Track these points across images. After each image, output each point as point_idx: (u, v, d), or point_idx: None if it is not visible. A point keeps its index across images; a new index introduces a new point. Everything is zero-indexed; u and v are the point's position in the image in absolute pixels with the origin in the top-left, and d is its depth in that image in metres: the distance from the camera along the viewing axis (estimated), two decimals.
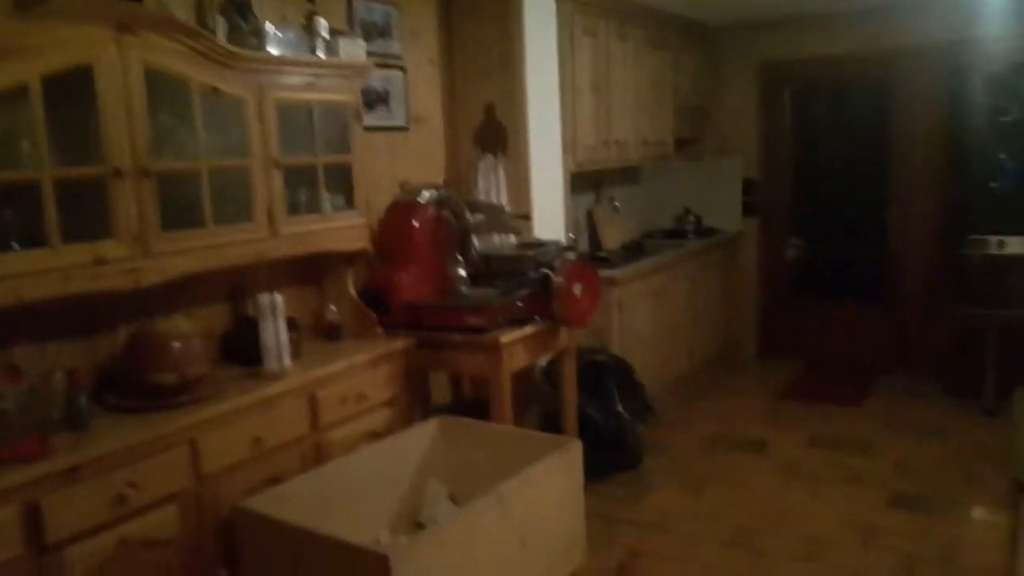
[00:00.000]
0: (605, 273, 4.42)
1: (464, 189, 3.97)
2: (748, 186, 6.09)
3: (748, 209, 6.12)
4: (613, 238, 5.43)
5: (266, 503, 2.44)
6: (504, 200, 3.91)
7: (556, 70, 4.14)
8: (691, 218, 5.98)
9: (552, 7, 4.07)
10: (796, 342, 6.03)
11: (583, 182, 5.10)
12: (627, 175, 5.76)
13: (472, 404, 3.60)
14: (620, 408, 4.08)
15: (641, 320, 4.68)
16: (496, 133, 3.97)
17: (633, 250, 5.32)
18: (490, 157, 3.96)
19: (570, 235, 4.75)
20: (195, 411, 2.38)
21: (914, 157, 5.51)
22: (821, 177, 6.15)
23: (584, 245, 5.23)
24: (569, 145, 4.27)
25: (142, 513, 2.22)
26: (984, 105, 5.13)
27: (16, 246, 2.09)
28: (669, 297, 5.05)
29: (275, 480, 2.57)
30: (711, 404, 5.12)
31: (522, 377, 3.85)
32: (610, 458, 4.03)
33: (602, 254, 5.02)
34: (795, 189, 6.11)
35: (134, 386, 2.43)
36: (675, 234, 5.90)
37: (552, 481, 2.72)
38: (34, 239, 2.11)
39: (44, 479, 2.00)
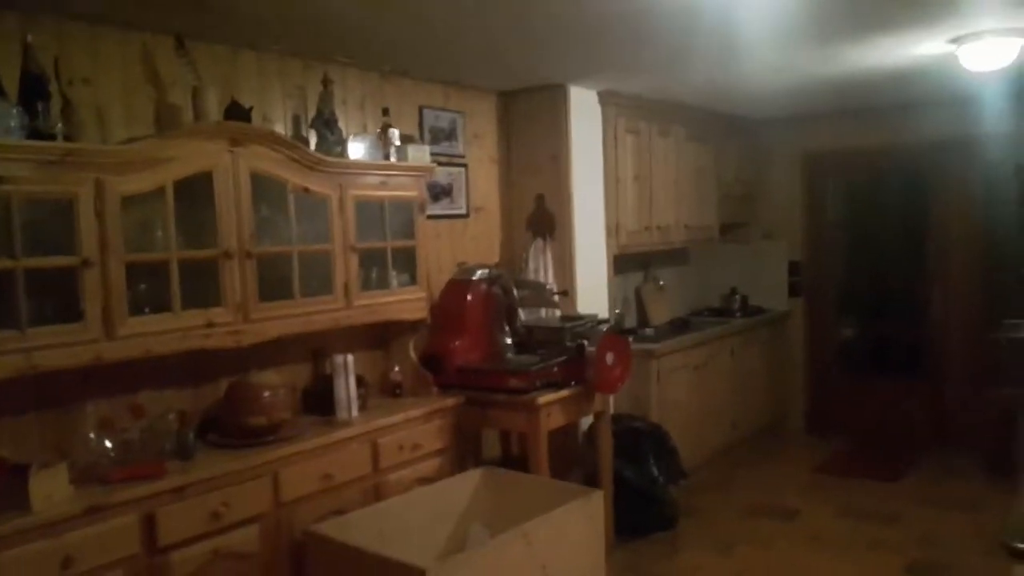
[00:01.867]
0: (645, 346, 4.86)
1: (516, 268, 4.50)
2: (794, 267, 6.43)
3: (794, 289, 6.44)
4: (660, 314, 5.85)
5: (332, 529, 2.91)
6: (551, 278, 4.41)
7: (601, 164, 4.68)
8: (737, 297, 6.34)
9: (598, 111, 4.64)
10: (842, 417, 6.23)
11: (632, 262, 5.57)
12: (675, 256, 6.20)
13: (517, 459, 4.03)
14: (655, 471, 4.43)
15: (680, 391, 5.05)
16: (545, 220, 4.51)
17: (678, 326, 5.72)
18: (540, 241, 4.49)
19: (616, 311, 5.22)
20: (278, 449, 2.90)
21: (951, 242, 5.78)
22: (865, 259, 6.45)
23: (632, 320, 5.67)
24: (613, 229, 4.78)
25: (231, 529, 2.72)
26: (1016, 195, 5.40)
27: (147, 311, 2.69)
28: (711, 371, 5.40)
29: (340, 511, 3.04)
30: (751, 473, 5.39)
31: (566, 440, 4.28)
32: (645, 518, 4.36)
33: (647, 329, 5.45)
34: (839, 271, 6.43)
35: (231, 427, 2.98)
36: (721, 312, 6.27)
37: (574, 523, 3.10)
38: (161, 306, 2.71)
39: (158, 495, 2.54)
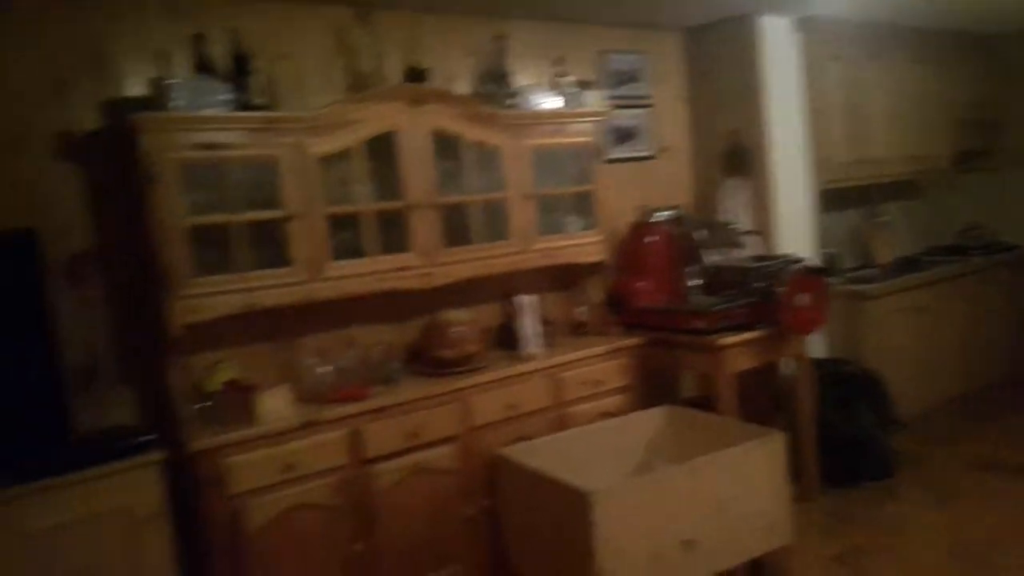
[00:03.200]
0: (857, 287, 4.60)
1: (707, 209, 4.45)
2: None
3: None
4: (884, 253, 5.46)
5: (516, 453, 3.17)
6: (745, 218, 4.32)
7: (800, 95, 4.45)
8: (977, 233, 5.72)
9: (793, 39, 4.41)
10: None
11: (850, 198, 5.25)
12: (903, 190, 5.72)
13: (711, 400, 4.04)
14: (866, 418, 4.21)
15: (900, 335, 4.72)
16: (739, 157, 4.40)
17: (904, 265, 5.31)
18: (733, 179, 4.39)
19: (827, 250, 4.97)
20: (467, 378, 3.20)
21: None
22: None
23: (852, 260, 5.34)
24: (817, 164, 4.54)
25: (428, 448, 3.06)
26: None
27: (347, 256, 3.08)
28: (938, 314, 4.98)
29: (526, 438, 3.29)
30: (984, 426, 4.89)
31: (769, 383, 4.21)
32: (856, 465, 4.17)
33: (869, 270, 5.12)
34: None
35: (427, 358, 3.33)
36: (957, 250, 5.70)
37: (752, 463, 3.09)
38: (359, 252, 3.09)
39: (364, 413, 2.93)
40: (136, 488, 2.47)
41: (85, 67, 2.83)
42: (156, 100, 2.65)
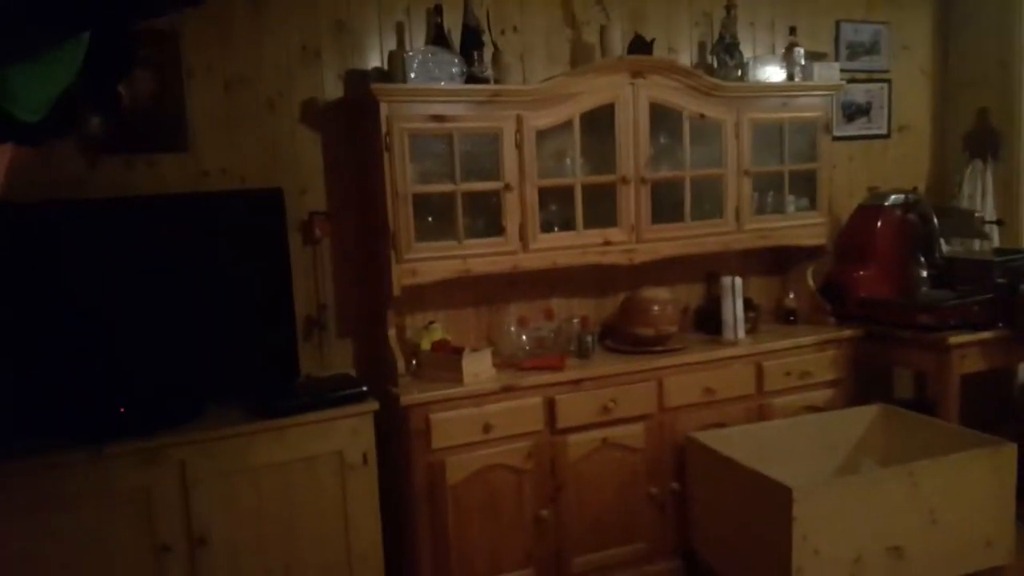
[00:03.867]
0: None
1: (946, 194, 4.05)
2: None
3: None
4: None
5: (711, 439, 3.10)
6: (988, 206, 3.89)
7: None
8: None
9: None
10: None
11: None
12: None
13: (929, 403, 3.72)
14: None
15: None
16: (987, 138, 3.95)
17: None
18: (978, 162, 3.96)
19: None
20: (664, 358, 3.16)
21: None
22: None
23: None
24: None
25: (619, 424, 3.07)
26: None
27: (556, 229, 3.11)
28: None
29: (721, 425, 3.21)
30: None
31: (997, 390, 3.82)
32: None
33: None
34: None
35: (623, 335, 3.32)
36: None
37: (976, 474, 2.83)
38: (567, 225, 3.11)
39: (559, 384, 2.98)
40: (349, 435, 2.68)
41: (330, 39, 3.02)
42: (394, 72, 2.79)
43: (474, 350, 2.97)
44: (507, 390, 2.90)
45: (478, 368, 2.93)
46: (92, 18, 0.96)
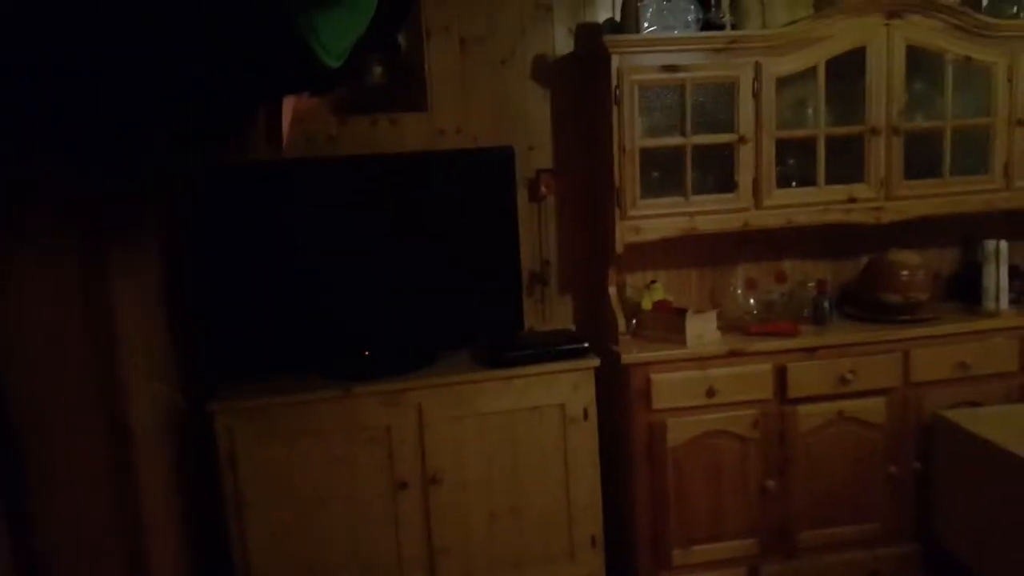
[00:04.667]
0: None
1: None
2: None
3: None
4: None
5: (963, 418, 2.81)
6: None
7: None
8: None
9: None
10: None
11: None
12: None
13: None
14: None
15: None
16: None
17: None
18: None
19: None
20: (910, 328, 2.89)
21: None
22: None
23: None
24: None
25: (857, 397, 2.86)
26: None
27: (794, 184, 2.92)
28: None
29: (975, 403, 2.90)
30: None
31: None
32: None
33: None
34: None
35: (865, 301, 3.07)
36: None
37: None
38: (806, 180, 2.91)
39: (791, 351, 2.82)
40: (571, 389, 2.71)
41: None
42: (627, 22, 2.72)
43: (698, 311, 2.88)
44: (733, 355, 2.78)
45: (702, 330, 2.84)
46: None
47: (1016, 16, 2.93)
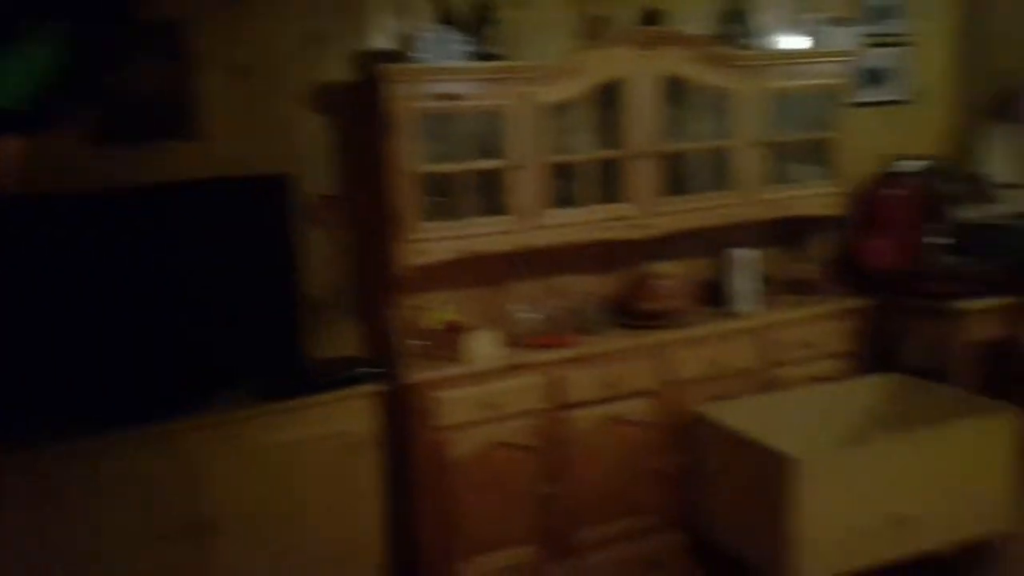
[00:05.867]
0: None
1: (968, 162, 3.94)
2: None
3: None
4: None
5: (715, 411, 3.12)
6: (1010, 171, 3.79)
7: None
8: None
9: None
10: None
11: None
12: None
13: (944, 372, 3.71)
14: None
15: None
16: (1010, 102, 3.83)
17: None
18: (999, 127, 3.85)
19: None
20: (670, 333, 3.18)
21: None
22: None
23: None
24: None
25: (624, 399, 3.10)
26: None
27: (565, 206, 3.09)
28: None
29: (727, 398, 3.22)
30: None
31: (1012, 357, 3.79)
32: None
33: None
34: None
35: (631, 310, 3.32)
36: None
37: (980, 440, 2.87)
38: (576, 202, 3.09)
39: (566, 361, 3.01)
40: (354, 416, 2.74)
41: (337, 22, 2.98)
42: (402, 52, 2.76)
43: (480, 329, 3.00)
44: (513, 368, 2.93)
45: (484, 347, 2.96)
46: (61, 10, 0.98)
47: (754, 48, 3.26)
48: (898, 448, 2.77)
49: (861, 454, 2.84)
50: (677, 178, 3.23)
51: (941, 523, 2.85)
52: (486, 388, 2.90)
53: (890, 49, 3.82)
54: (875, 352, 3.62)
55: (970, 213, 3.72)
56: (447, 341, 2.96)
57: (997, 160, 3.85)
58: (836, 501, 2.67)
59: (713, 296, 3.52)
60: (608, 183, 3.12)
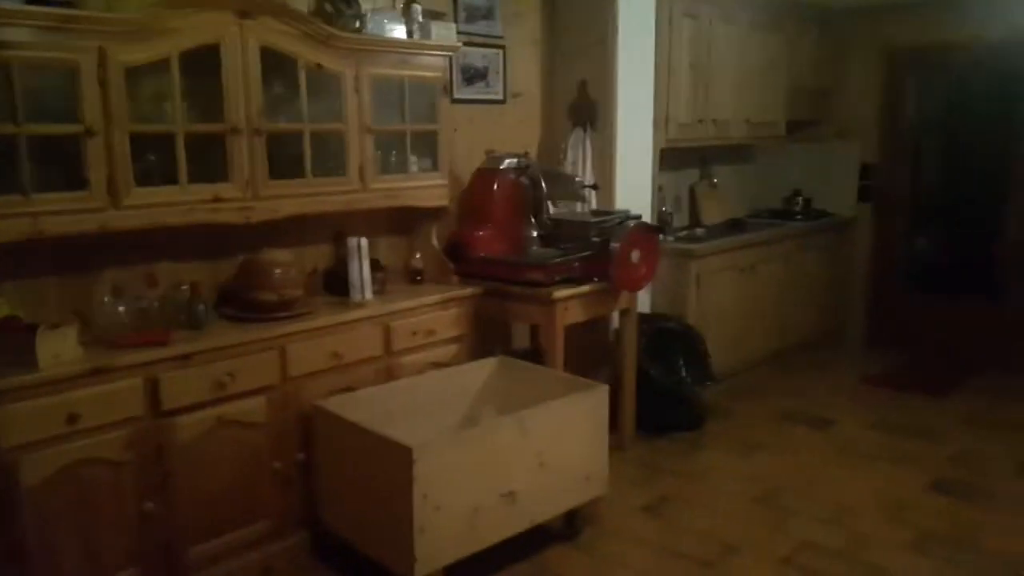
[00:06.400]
0: (685, 246, 4.72)
1: (555, 161, 4.36)
2: (865, 171, 6.06)
3: (864, 194, 6.09)
4: (713, 214, 5.65)
5: (337, 405, 3.00)
6: (589, 171, 4.27)
7: (652, 50, 4.40)
8: (800, 200, 6.05)
9: None
10: (904, 332, 5.94)
11: (688, 158, 5.35)
12: (737, 154, 5.92)
13: (541, 353, 4.03)
14: (683, 372, 4.38)
15: (722, 293, 4.91)
16: (587, 108, 4.32)
17: (731, 227, 5.51)
18: (580, 131, 4.32)
19: (664, 208, 5.07)
20: (286, 325, 2.97)
21: None
22: (942, 166, 6.03)
23: (684, 219, 5.50)
24: (661, 122, 4.55)
25: (237, 399, 2.82)
26: None
27: (155, 182, 2.73)
28: (759, 274, 5.22)
29: (350, 389, 3.12)
30: (793, 382, 5.25)
31: (595, 337, 4.25)
32: (670, 416, 4.35)
33: (698, 230, 5.28)
34: (914, 177, 6.03)
35: (243, 301, 3.05)
36: (781, 215, 6.01)
37: (575, 415, 3.12)
38: (168, 178, 2.75)
39: (164, 361, 2.64)
40: None
41: None
42: None
43: (54, 327, 2.50)
44: (97, 372, 2.49)
45: (59, 349, 2.48)
46: None
47: (358, 31, 3.21)
48: (506, 428, 2.89)
49: (472, 437, 2.91)
50: (287, 160, 3.04)
51: (548, 496, 3.04)
52: (66, 397, 2.42)
53: (486, 50, 4.07)
54: (486, 337, 3.80)
55: (561, 209, 4.13)
56: (12, 343, 2.41)
57: (579, 161, 4.31)
58: (451, 485, 2.68)
59: (333, 285, 3.40)
60: (209, 160, 2.83)
